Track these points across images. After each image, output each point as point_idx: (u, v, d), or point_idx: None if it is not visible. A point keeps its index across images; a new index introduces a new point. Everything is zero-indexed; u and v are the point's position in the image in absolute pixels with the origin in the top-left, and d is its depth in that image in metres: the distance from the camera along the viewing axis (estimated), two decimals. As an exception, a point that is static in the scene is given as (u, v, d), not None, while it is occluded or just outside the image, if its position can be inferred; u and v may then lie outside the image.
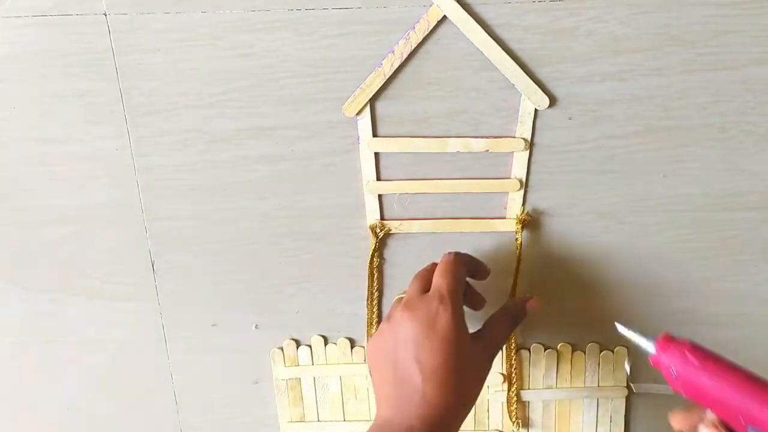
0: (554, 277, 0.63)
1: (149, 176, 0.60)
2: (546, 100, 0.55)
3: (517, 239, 0.60)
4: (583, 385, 0.67)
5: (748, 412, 0.41)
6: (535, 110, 0.56)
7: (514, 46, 0.54)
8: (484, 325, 0.55)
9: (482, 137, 0.57)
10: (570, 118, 0.57)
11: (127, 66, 0.55)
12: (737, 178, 0.59)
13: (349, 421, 0.69)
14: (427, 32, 0.53)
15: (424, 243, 0.62)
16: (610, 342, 0.65)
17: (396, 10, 0.53)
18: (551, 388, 0.67)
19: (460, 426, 0.51)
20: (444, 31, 0.54)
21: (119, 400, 0.70)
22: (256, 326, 0.66)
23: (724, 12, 0.52)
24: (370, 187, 0.59)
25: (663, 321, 0.64)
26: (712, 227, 0.61)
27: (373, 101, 0.56)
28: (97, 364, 0.68)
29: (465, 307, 0.55)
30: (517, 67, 0.54)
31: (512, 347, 0.64)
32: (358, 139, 0.58)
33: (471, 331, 0.54)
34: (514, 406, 0.66)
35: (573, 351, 0.66)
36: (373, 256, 0.61)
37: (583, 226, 0.61)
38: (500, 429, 0.68)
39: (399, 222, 0.61)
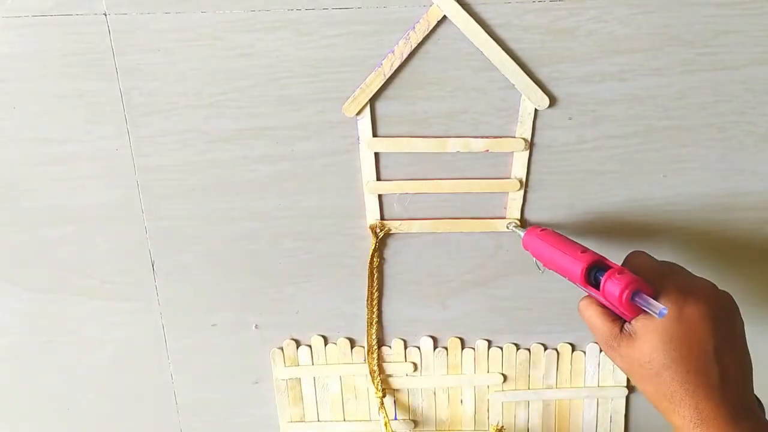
0: (554, 276, 0.63)
1: (149, 176, 0.60)
2: (546, 100, 0.55)
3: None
4: (583, 385, 0.67)
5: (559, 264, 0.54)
6: (535, 110, 0.56)
7: (514, 46, 0.54)
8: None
9: (482, 137, 0.57)
10: (570, 118, 0.57)
11: (127, 66, 0.55)
12: (737, 178, 0.59)
13: (349, 421, 0.69)
14: (427, 32, 0.53)
15: (424, 243, 0.62)
16: (610, 342, 0.65)
17: (396, 10, 0.53)
18: (551, 388, 0.67)
19: None
20: (444, 31, 0.54)
21: (119, 400, 0.69)
22: (256, 326, 0.66)
23: (724, 12, 0.52)
24: (370, 187, 0.59)
25: (663, 321, 0.64)
26: (712, 227, 0.61)
27: (373, 101, 0.56)
28: (97, 364, 0.68)
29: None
30: (517, 67, 0.54)
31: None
32: (358, 139, 0.58)
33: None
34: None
35: (573, 351, 0.66)
36: (373, 256, 0.61)
37: (583, 226, 0.61)
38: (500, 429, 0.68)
39: (399, 222, 0.61)
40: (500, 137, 0.57)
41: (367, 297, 0.63)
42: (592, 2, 0.52)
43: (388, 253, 0.62)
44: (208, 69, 0.55)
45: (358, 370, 0.67)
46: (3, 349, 0.67)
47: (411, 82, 0.55)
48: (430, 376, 0.67)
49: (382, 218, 0.61)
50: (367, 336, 0.65)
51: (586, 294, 0.53)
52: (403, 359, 0.66)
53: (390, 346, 0.66)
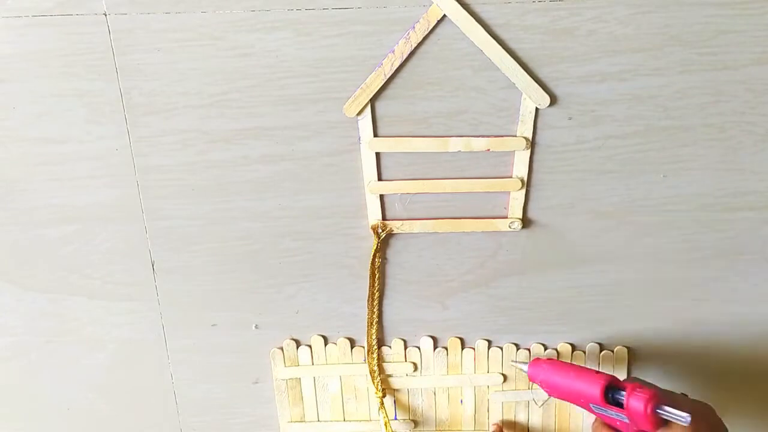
0: (554, 276, 0.63)
1: (149, 176, 0.60)
2: (547, 99, 0.55)
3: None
4: (583, 385, 0.67)
5: (577, 393, 0.56)
6: (536, 110, 0.56)
7: (514, 46, 0.54)
8: None
9: (483, 137, 0.57)
10: (570, 118, 0.57)
11: (127, 66, 0.55)
12: (737, 178, 0.59)
13: (349, 421, 0.69)
14: (427, 32, 0.53)
15: (426, 243, 0.62)
16: (610, 342, 0.66)
17: (396, 10, 0.53)
18: (551, 388, 0.67)
19: None
20: (444, 31, 0.54)
21: (119, 400, 0.69)
22: (256, 326, 0.66)
23: (724, 12, 0.52)
24: (371, 187, 0.59)
25: (662, 320, 0.64)
26: (712, 227, 0.61)
27: (373, 101, 0.56)
28: (97, 364, 0.68)
29: None
30: (518, 66, 0.54)
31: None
32: (359, 139, 0.58)
33: None
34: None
35: (573, 351, 0.66)
36: (374, 256, 0.61)
37: (583, 226, 0.61)
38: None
39: (401, 222, 0.61)
40: (501, 137, 0.57)
41: (368, 297, 0.63)
42: (592, 2, 0.52)
43: (389, 253, 0.62)
44: (208, 69, 0.55)
45: (358, 370, 0.67)
46: (3, 349, 0.67)
47: (411, 82, 0.55)
48: (430, 376, 0.67)
49: (384, 218, 0.61)
50: (367, 336, 0.65)
51: (596, 419, 0.57)
52: (403, 359, 0.66)
53: (390, 346, 0.66)
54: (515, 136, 0.57)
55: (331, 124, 0.57)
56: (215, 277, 0.64)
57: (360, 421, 0.69)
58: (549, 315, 0.64)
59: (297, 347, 0.66)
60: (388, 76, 0.55)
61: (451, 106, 0.56)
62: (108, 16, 0.54)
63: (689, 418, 0.51)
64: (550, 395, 0.59)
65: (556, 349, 0.66)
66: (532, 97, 0.55)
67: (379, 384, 0.66)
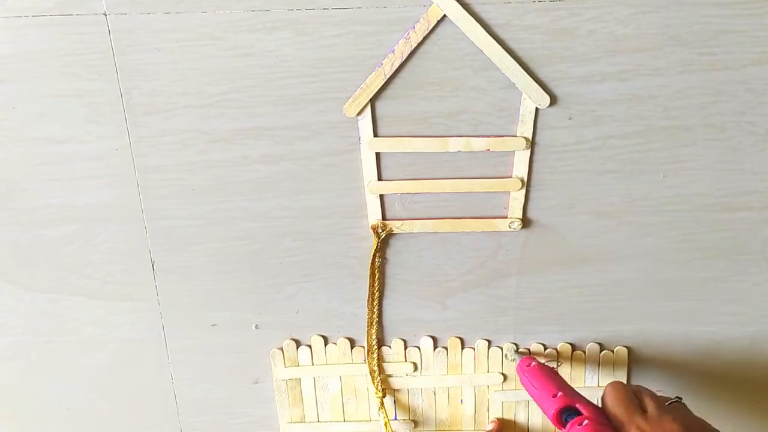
0: (554, 276, 0.63)
1: (149, 176, 0.60)
2: (547, 99, 0.55)
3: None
4: (583, 385, 0.67)
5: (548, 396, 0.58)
6: (536, 110, 0.56)
7: (514, 46, 0.54)
8: None
9: (483, 137, 0.57)
10: (570, 118, 0.57)
11: (127, 66, 0.55)
12: (737, 178, 0.59)
13: (349, 421, 0.69)
14: (427, 32, 0.53)
15: (426, 243, 0.62)
16: (610, 342, 0.66)
17: (396, 10, 0.53)
18: (551, 388, 0.67)
19: None
20: (444, 31, 0.54)
21: (119, 400, 0.69)
22: (256, 326, 0.66)
23: (724, 12, 0.52)
24: (371, 187, 0.59)
25: (663, 321, 0.64)
26: (712, 227, 0.61)
27: (373, 101, 0.56)
28: (97, 364, 0.68)
29: None
30: (518, 66, 0.54)
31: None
32: (359, 139, 0.58)
33: None
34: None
35: (573, 351, 0.66)
36: (374, 256, 0.61)
37: (583, 226, 0.61)
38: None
39: (401, 222, 0.61)
40: (501, 137, 0.57)
41: (368, 297, 0.63)
42: (592, 2, 0.52)
43: (389, 252, 0.62)
44: (208, 69, 0.55)
45: (358, 370, 0.67)
46: (3, 349, 0.67)
47: (411, 82, 0.55)
48: (430, 376, 0.67)
49: (384, 218, 0.61)
50: (367, 336, 0.65)
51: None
52: (403, 359, 0.66)
53: (390, 346, 0.66)
54: (515, 136, 0.57)
55: (331, 124, 0.57)
56: (215, 277, 0.64)
57: (360, 421, 0.69)
58: (549, 315, 0.65)
59: (297, 347, 0.66)
60: (388, 76, 0.55)
61: (451, 106, 0.56)
62: (108, 16, 0.54)
63: None
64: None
65: (556, 349, 0.66)
66: (532, 97, 0.55)
67: (379, 384, 0.66)
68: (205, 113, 0.57)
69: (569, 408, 0.56)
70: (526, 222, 0.61)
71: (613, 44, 0.54)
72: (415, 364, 0.66)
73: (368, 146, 0.58)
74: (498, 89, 0.56)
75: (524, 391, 0.66)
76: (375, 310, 0.64)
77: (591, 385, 0.66)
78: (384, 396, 0.67)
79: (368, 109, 0.56)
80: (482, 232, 0.61)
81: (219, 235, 0.62)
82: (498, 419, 0.67)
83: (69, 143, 0.58)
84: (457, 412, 0.68)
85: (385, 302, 0.64)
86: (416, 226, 0.61)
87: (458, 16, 0.53)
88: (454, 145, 0.57)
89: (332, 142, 0.58)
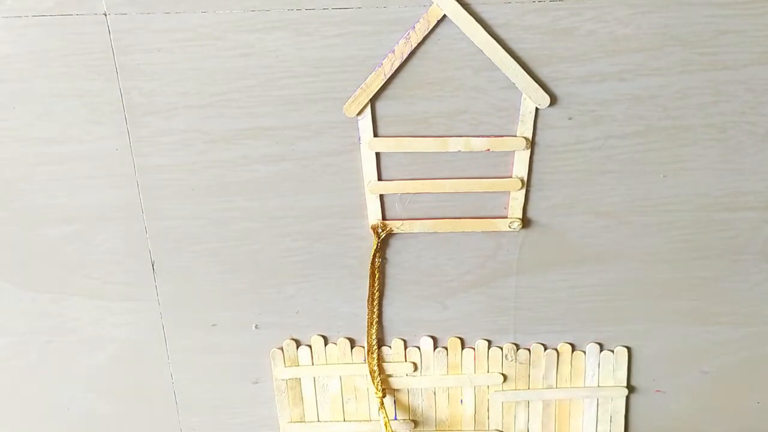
0: (554, 276, 0.63)
1: (149, 176, 0.60)
2: (547, 99, 0.55)
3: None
4: (583, 385, 0.67)
5: None
6: (536, 110, 0.56)
7: (514, 46, 0.54)
8: None
9: (483, 137, 0.57)
10: (570, 118, 0.57)
11: (127, 66, 0.55)
12: (737, 178, 0.59)
13: (349, 421, 0.69)
14: (427, 32, 0.53)
15: (426, 243, 0.62)
16: (610, 342, 0.66)
17: (396, 10, 0.53)
18: (551, 388, 0.67)
19: None
20: (444, 31, 0.54)
21: (119, 400, 0.70)
22: (256, 326, 0.66)
23: (724, 12, 0.52)
24: (371, 187, 0.59)
25: (663, 321, 0.64)
26: (712, 227, 0.61)
27: (373, 101, 0.56)
28: (97, 364, 0.68)
29: None
30: (518, 66, 0.54)
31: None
32: (359, 139, 0.58)
33: None
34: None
35: (573, 351, 0.66)
36: (374, 256, 0.61)
37: (583, 226, 0.61)
38: (500, 429, 0.68)
39: (401, 222, 0.61)
40: (501, 137, 0.57)
41: (368, 297, 0.63)
42: (592, 2, 0.52)
43: (389, 252, 0.62)
44: (208, 69, 0.55)
45: (358, 370, 0.67)
46: (3, 349, 0.67)
47: (411, 82, 0.55)
48: (430, 376, 0.67)
49: (384, 218, 0.61)
50: (367, 336, 0.65)
51: None
52: (403, 359, 0.66)
53: (390, 346, 0.66)
54: (515, 136, 0.57)
55: (331, 124, 0.57)
56: (215, 277, 0.64)
57: (360, 421, 0.69)
58: (549, 315, 0.65)
59: (297, 347, 0.66)
60: (388, 76, 0.55)
61: (451, 106, 0.56)
62: (108, 16, 0.54)
63: None
64: None
65: (556, 349, 0.66)
66: (532, 97, 0.55)
67: (379, 384, 0.66)
68: (205, 113, 0.57)
69: None
70: (526, 222, 0.61)
71: (613, 44, 0.54)
72: (415, 364, 0.66)
73: (368, 146, 0.58)
74: (498, 89, 0.56)
75: (524, 391, 0.67)
76: (375, 310, 0.64)
77: (591, 384, 0.67)
78: (384, 396, 0.67)
79: (368, 109, 0.56)
80: (482, 232, 0.61)
81: (219, 235, 0.62)
82: None
83: (69, 143, 0.58)
84: (457, 412, 0.68)
85: (385, 302, 0.64)
86: (416, 226, 0.61)
87: (458, 16, 0.53)
88: (454, 145, 0.57)
89: (332, 142, 0.58)
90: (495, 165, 0.59)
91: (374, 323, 0.64)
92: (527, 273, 0.63)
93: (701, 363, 0.67)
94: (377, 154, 0.58)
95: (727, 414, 0.68)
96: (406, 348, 0.66)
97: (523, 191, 0.59)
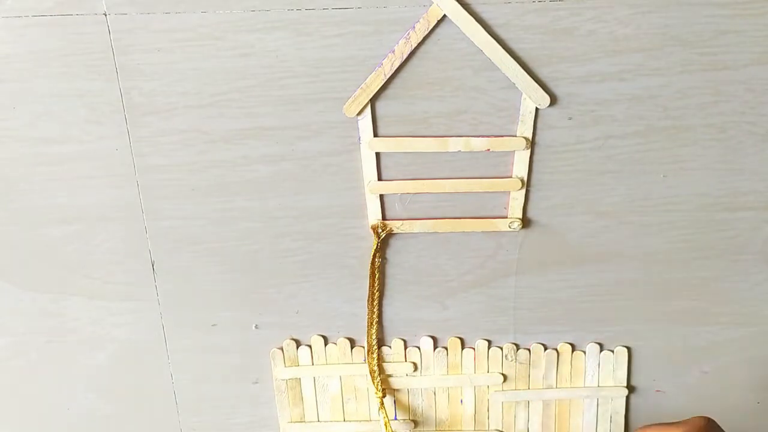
0: (554, 276, 0.63)
1: (149, 176, 0.60)
2: (547, 99, 0.55)
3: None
4: (583, 385, 0.67)
5: None
6: (536, 110, 0.56)
7: (514, 46, 0.54)
8: None
9: (483, 137, 0.57)
10: (570, 118, 0.57)
11: (127, 66, 0.55)
12: (737, 178, 0.59)
13: (349, 421, 0.69)
14: (427, 32, 0.53)
15: (426, 243, 0.62)
16: (610, 342, 0.66)
17: (396, 10, 0.53)
18: (551, 388, 0.67)
19: None
20: (444, 31, 0.54)
21: (119, 400, 0.69)
22: (256, 326, 0.66)
23: (724, 12, 0.52)
24: (371, 187, 0.59)
25: (663, 321, 0.64)
26: (712, 227, 0.61)
27: (373, 101, 0.56)
28: (97, 364, 0.68)
29: None
30: (518, 66, 0.54)
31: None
32: (359, 139, 0.58)
33: None
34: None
35: (573, 351, 0.66)
36: (374, 256, 0.61)
37: (583, 226, 0.61)
38: (500, 429, 0.68)
39: (401, 222, 0.61)
40: (501, 137, 0.57)
41: (368, 297, 0.63)
42: (592, 2, 0.52)
43: (389, 252, 0.62)
44: (208, 69, 0.55)
45: (358, 370, 0.67)
46: (3, 349, 0.67)
47: (411, 82, 0.55)
48: (430, 376, 0.67)
49: (384, 218, 0.61)
50: (367, 336, 0.65)
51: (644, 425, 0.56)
52: (403, 359, 0.66)
53: (390, 346, 0.66)
54: (515, 136, 0.57)
55: (331, 124, 0.57)
56: (215, 277, 0.64)
57: (360, 421, 0.69)
58: (549, 315, 0.65)
59: (297, 347, 0.66)
60: (388, 76, 0.55)
61: (451, 106, 0.56)
62: (108, 16, 0.54)
63: None
64: None
65: (556, 349, 0.66)
66: (532, 97, 0.55)
67: (379, 384, 0.66)
68: (205, 113, 0.57)
69: None
70: (526, 222, 0.61)
71: (613, 44, 0.54)
72: (415, 364, 0.66)
73: (368, 146, 0.58)
74: (498, 89, 0.56)
75: (524, 391, 0.66)
76: (375, 310, 0.64)
77: (591, 384, 0.67)
78: (384, 396, 0.67)
79: (368, 109, 0.56)
80: (482, 232, 0.61)
81: (219, 235, 0.62)
82: None
83: (69, 143, 0.58)
84: (457, 412, 0.68)
85: (385, 302, 0.64)
86: (416, 226, 0.61)
87: (458, 16, 0.53)
88: (454, 145, 0.57)
89: (332, 142, 0.58)
90: (495, 165, 0.59)
91: (374, 323, 0.64)
92: (527, 273, 0.63)
93: (701, 363, 0.67)
94: (377, 154, 0.58)
95: (727, 414, 0.68)
96: (406, 348, 0.66)
97: (523, 191, 0.59)
